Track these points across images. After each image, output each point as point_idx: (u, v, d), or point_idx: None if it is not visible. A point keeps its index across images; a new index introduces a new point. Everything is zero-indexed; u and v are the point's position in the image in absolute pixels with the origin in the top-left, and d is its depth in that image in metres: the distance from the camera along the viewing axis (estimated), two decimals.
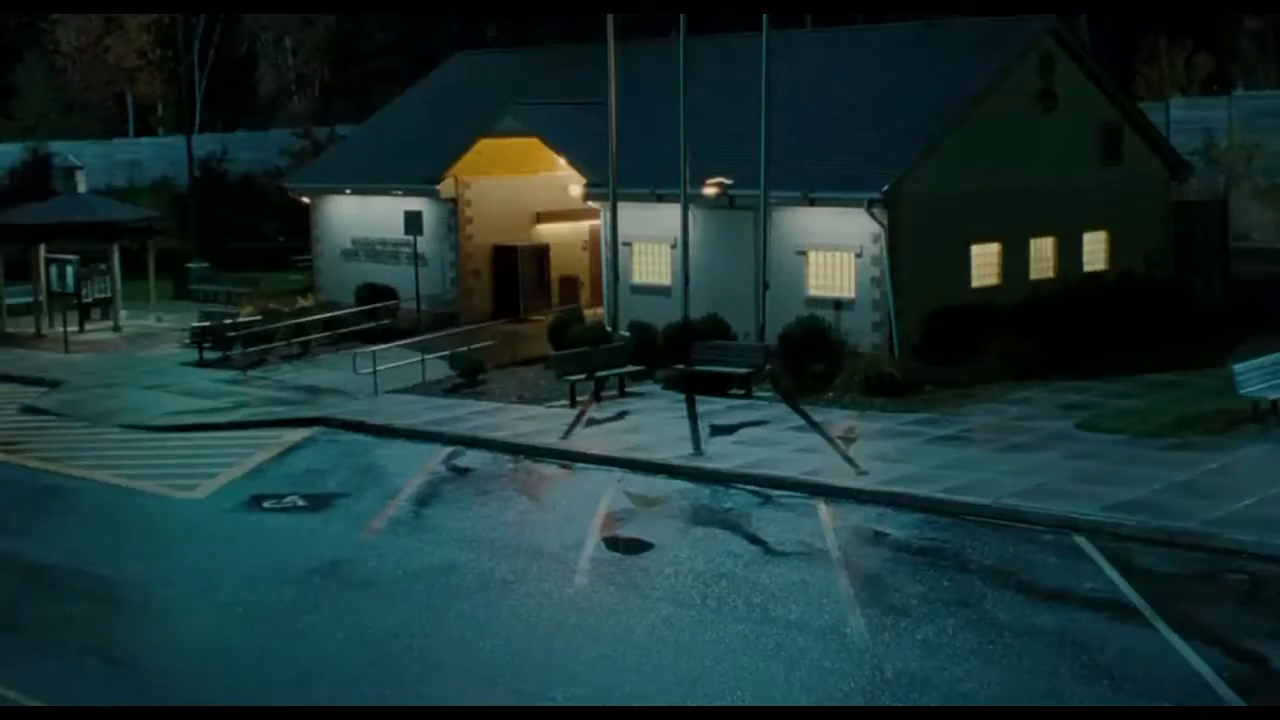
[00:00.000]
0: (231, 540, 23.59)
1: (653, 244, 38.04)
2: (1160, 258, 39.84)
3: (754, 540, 21.94)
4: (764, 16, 33.68)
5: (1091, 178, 37.94)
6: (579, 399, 32.27)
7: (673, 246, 36.95)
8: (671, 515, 23.65)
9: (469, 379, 34.88)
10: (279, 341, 40.21)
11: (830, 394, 31.34)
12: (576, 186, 40.27)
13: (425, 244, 42.85)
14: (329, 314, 42.33)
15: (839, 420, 29.33)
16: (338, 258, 46.96)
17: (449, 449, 29.06)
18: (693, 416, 30.32)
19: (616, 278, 36.77)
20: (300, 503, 25.30)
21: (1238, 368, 27.81)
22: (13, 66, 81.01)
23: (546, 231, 44.23)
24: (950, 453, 26.08)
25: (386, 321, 41.67)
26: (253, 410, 33.25)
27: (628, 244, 37.82)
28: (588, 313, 39.71)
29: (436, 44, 76.64)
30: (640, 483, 25.78)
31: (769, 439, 27.93)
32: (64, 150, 66.52)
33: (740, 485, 25.15)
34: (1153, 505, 22.04)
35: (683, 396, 32.25)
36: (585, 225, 43.44)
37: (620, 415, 30.85)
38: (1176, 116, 56.51)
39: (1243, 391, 27.39)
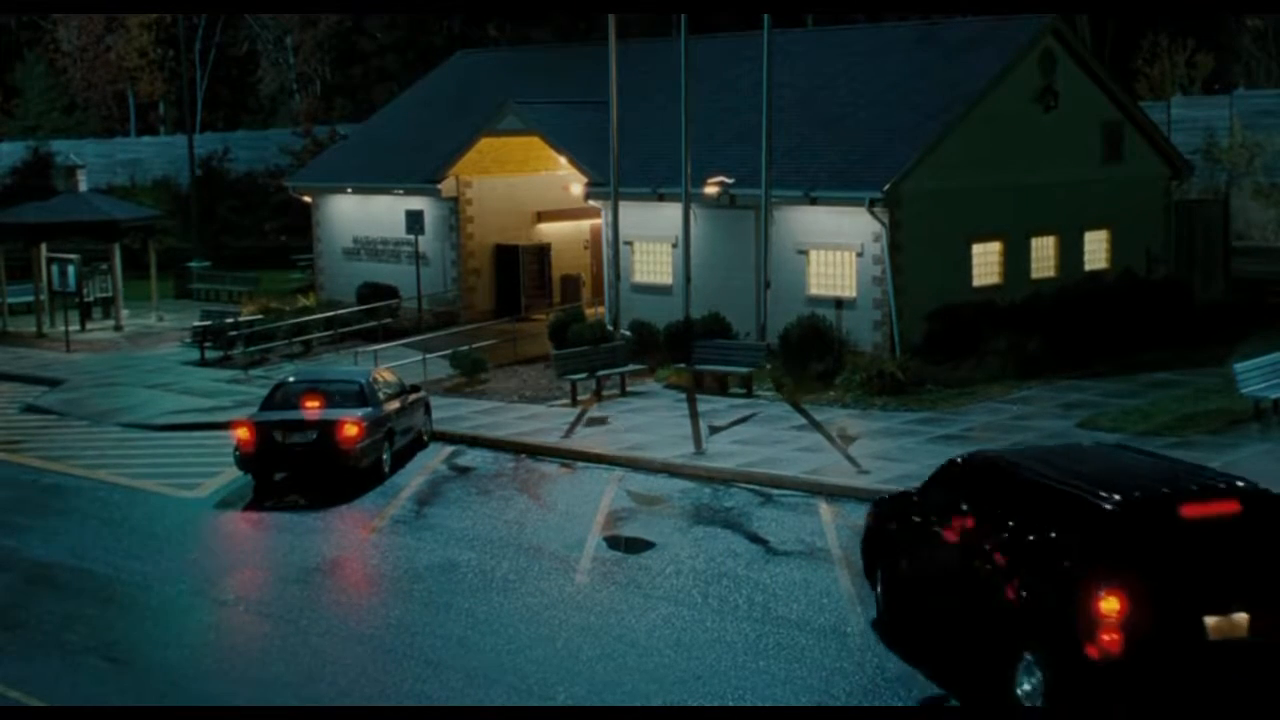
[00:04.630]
0: (233, 539, 23.66)
1: (654, 243, 38.05)
2: (1161, 257, 39.84)
3: (755, 539, 21.94)
4: (765, 16, 33.69)
5: (1093, 176, 37.95)
6: (580, 398, 32.29)
7: (674, 245, 36.96)
8: (673, 514, 23.65)
9: (470, 378, 34.89)
10: (280, 340, 40.23)
11: (831, 393, 31.36)
12: (577, 185, 40.28)
13: (426, 243, 42.89)
14: (330, 313, 42.34)
15: (840, 419, 29.34)
16: (339, 257, 46.98)
17: (450, 448, 29.08)
18: (694, 415, 30.33)
19: (618, 277, 36.78)
20: (301, 501, 25.33)
21: (1239, 367, 27.81)
22: (14, 66, 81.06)
23: (547, 230, 44.25)
24: (951, 452, 25.96)
25: (388, 320, 41.71)
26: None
27: (629, 243, 37.84)
28: (589, 312, 39.72)
29: (436, 44, 76.77)
30: (641, 482, 25.79)
31: (770, 438, 27.93)
32: (65, 149, 66.63)
33: (741, 484, 25.16)
34: None
35: (684, 395, 32.28)
36: (586, 224, 43.49)
37: (621, 414, 30.85)
38: (1178, 115, 56.53)
39: (1244, 391, 27.39)
